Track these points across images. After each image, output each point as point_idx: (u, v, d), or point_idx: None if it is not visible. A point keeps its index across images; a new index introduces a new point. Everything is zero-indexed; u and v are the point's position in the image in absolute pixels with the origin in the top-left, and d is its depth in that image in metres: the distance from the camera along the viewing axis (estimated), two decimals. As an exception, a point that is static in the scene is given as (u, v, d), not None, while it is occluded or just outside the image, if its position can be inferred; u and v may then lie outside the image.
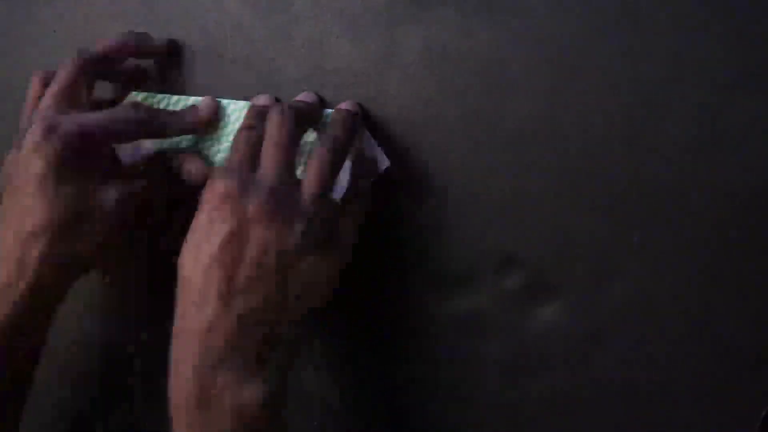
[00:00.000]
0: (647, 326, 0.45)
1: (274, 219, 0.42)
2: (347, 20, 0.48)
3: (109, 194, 0.48)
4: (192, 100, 0.51)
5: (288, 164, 0.44)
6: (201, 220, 0.43)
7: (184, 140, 0.51)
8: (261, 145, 0.45)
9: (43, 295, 0.48)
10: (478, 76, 0.47)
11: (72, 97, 0.49)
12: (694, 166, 0.45)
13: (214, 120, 0.50)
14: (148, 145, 0.51)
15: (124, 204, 0.48)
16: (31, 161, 0.46)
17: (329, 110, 0.48)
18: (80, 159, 0.47)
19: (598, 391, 0.46)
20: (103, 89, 0.53)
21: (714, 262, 0.45)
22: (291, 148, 0.45)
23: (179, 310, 0.43)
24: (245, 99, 0.50)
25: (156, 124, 0.49)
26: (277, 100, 0.49)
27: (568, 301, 0.46)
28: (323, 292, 0.45)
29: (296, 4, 0.49)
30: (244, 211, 0.42)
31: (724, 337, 0.45)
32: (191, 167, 0.50)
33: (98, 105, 0.51)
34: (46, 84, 0.50)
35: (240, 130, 0.46)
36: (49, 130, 0.46)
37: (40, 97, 0.50)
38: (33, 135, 0.46)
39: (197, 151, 0.50)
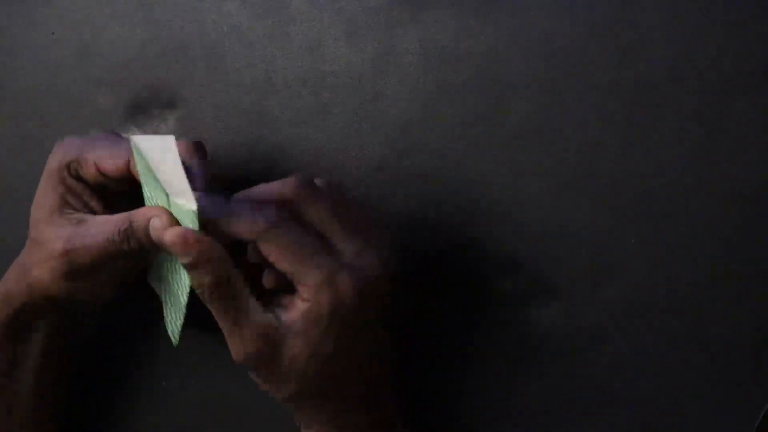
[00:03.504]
0: (647, 326, 0.45)
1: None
2: (345, 21, 0.48)
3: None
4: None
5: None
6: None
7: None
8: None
9: None
10: (476, 77, 0.47)
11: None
12: (693, 165, 0.44)
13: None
14: None
15: None
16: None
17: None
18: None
19: (598, 391, 0.46)
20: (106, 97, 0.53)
21: (714, 262, 0.45)
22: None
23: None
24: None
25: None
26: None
27: (568, 302, 0.46)
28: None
29: (293, 5, 0.49)
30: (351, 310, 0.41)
31: (724, 337, 0.45)
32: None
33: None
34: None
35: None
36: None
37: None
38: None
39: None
